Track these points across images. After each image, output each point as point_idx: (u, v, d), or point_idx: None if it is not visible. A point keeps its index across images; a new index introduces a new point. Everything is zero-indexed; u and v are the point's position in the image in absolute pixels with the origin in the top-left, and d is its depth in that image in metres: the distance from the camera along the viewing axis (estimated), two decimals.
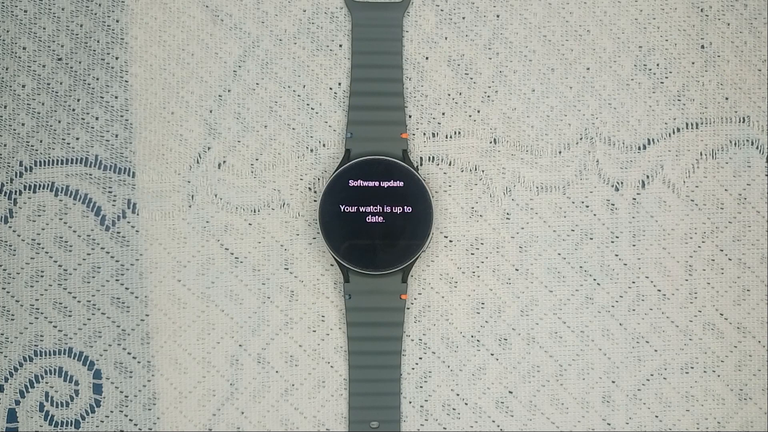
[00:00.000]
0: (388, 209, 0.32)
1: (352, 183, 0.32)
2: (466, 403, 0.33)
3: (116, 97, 0.34)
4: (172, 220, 0.33)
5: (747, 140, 0.34)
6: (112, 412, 0.33)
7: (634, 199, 0.34)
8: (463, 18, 0.34)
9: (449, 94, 0.34)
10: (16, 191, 0.34)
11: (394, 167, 0.32)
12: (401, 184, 0.32)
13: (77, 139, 0.34)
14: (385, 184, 0.32)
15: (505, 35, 0.34)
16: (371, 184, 0.32)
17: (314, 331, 0.34)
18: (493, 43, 0.34)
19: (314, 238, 0.34)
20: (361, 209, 0.32)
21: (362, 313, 0.33)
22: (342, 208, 0.32)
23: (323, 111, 0.34)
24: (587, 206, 0.34)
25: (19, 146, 0.34)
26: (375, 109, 0.33)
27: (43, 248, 0.33)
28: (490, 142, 0.34)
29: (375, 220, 0.32)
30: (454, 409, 0.33)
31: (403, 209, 0.32)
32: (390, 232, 0.32)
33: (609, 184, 0.34)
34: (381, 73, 0.33)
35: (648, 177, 0.34)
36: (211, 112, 0.34)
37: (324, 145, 0.34)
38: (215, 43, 0.34)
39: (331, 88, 0.34)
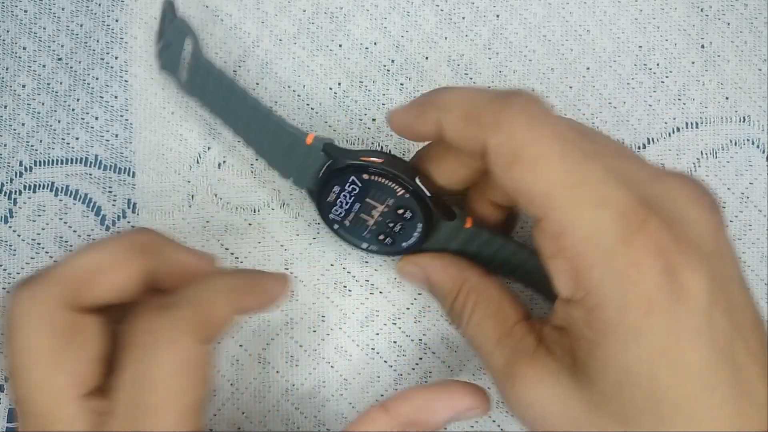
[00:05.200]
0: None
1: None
2: None
3: (116, 97, 0.34)
4: (172, 219, 0.33)
5: (747, 139, 0.34)
6: None
7: None
8: (463, 18, 0.34)
9: None
10: (16, 191, 0.34)
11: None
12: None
13: (77, 139, 0.34)
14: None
15: (505, 35, 0.34)
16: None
17: (314, 331, 0.34)
18: (492, 43, 0.34)
19: (314, 238, 0.34)
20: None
21: None
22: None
23: (323, 111, 0.34)
24: None
25: (19, 146, 0.34)
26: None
27: (43, 248, 0.33)
28: None
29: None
30: None
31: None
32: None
33: None
34: None
35: None
36: None
37: None
38: (215, 43, 0.34)
39: (330, 88, 0.34)
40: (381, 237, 0.30)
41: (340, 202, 0.29)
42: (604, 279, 0.22)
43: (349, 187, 0.28)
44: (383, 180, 0.28)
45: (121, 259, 0.24)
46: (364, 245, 0.31)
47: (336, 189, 0.28)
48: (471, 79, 0.34)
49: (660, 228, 0.21)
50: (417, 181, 0.28)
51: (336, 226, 0.30)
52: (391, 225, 0.29)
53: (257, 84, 0.34)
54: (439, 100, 0.25)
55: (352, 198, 0.29)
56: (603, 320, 0.22)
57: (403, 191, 0.28)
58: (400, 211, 0.28)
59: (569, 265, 0.22)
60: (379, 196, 0.28)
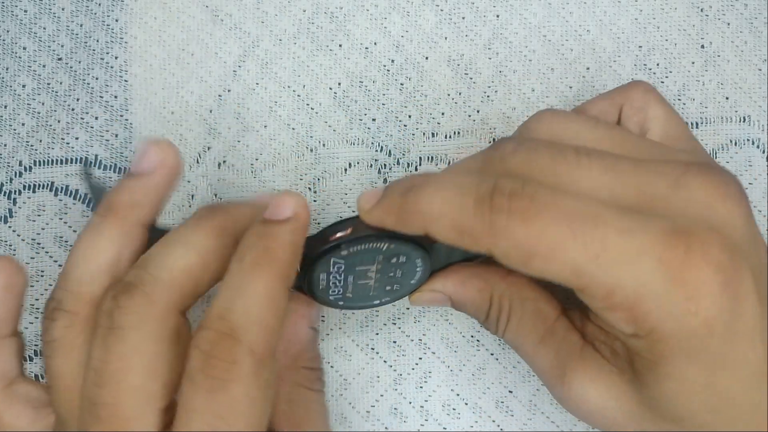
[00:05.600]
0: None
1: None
2: (466, 403, 0.33)
3: (116, 97, 0.34)
4: (172, 219, 0.33)
5: (747, 139, 0.34)
6: None
7: None
8: (463, 18, 0.34)
9: (449, 94, 0.34)
10: (15, 191, 0.34)
11: None
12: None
13: (77, 139, 0.34)
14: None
15: (505, 35, 0.34)
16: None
17: None
18: (493, 43, 0.34)
19: None
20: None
21: None
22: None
23: (323, 111, 0.34)
24: None
25: (19, 146, 0.34)
26: None
27: (43, 248, 0.33)
28: (490, 142, 0.34)
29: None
30: (454, 409, 0.33)
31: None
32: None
33: None
34: None
35: None
36: (211, 112, 0.34)
37: (324, 145, 0.34)
38: (215, 43, 0.34)
39: (330, 88, 0.34)
40: (388, 288, 0.28)
41: (333, 283, 0.27)
42: (665, 319, 0.21)
43: (334, 268, 0.26)
44: (363, 246, 0.26)
45: (214, 253, 0.23)
46: (376, 302, 0.29)
47: (323, 276, 0.27)
48: (471, 79, 0.34)
49: (704, 249, 0.21)
50: None
51: (341, 303, 0.29)
52: (391, 275, 0.27)
53: (257, 84, 0.34)
54: (419, 209, 0.23)
55: (342, 274, 0.27)
56: (665, 349, 0.22)
57: (386, 244, 0.26)
58: (394, 260, 0.27)
59: (626, 314, 0.22)
60: (367, 259, 0.26)
